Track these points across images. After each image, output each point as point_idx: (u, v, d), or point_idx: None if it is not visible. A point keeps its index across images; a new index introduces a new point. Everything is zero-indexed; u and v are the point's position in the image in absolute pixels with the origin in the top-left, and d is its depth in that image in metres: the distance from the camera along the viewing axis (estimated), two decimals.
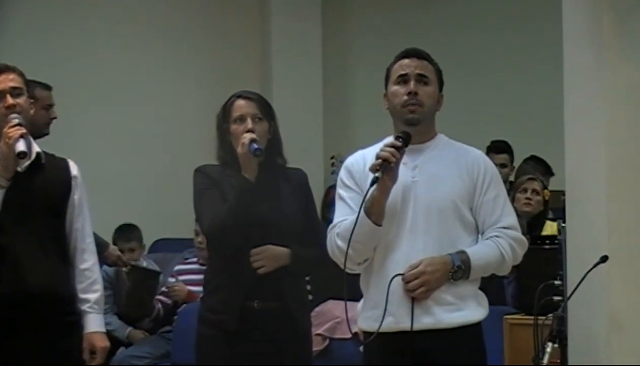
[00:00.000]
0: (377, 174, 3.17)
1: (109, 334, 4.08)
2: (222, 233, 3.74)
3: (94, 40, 7.38)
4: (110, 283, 6.14)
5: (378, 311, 3.26)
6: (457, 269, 3.25)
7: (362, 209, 3.22)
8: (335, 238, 3.33)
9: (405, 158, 3.30)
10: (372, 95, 7.95)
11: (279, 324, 3.78)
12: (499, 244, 3.32)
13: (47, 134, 5.01)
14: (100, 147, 7.19)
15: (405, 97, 3.34)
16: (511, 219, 3.38)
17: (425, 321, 3.25)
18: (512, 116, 7.79)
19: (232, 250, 3.76)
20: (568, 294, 3.81)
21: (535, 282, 4.01)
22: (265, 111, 3.85)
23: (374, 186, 3.19)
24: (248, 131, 3.75)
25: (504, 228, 3.34)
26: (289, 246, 3.81)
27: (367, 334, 3.36)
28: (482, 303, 3.38)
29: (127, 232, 6.30)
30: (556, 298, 4.02)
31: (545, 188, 5.91)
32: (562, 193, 4.35)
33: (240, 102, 3.84)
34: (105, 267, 6.15)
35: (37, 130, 4.88)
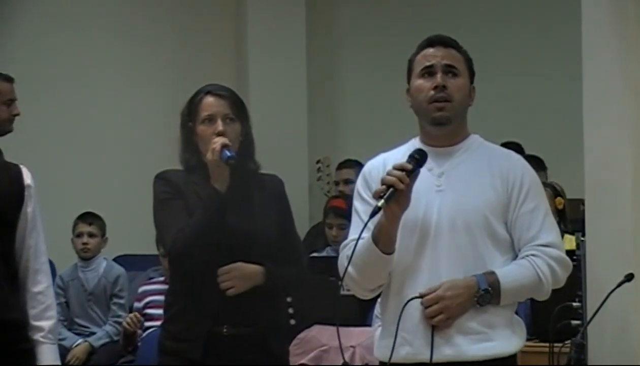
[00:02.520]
0: (379, 203, 3.09)
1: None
2: (187, 252, 3.67)
3: (53, 36, 7.42)
4: (64, 290, 6.38)
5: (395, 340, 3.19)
6: (484, 293, 3.15)
7: (363, 234, 3.14)
8: (345, 261, 3.25)
9: (431, 163, 3.22)
10: (363, 93, 8.04)
11: (251, 353, 3.69)
12: (535, 264, 3.21)
13: (10, 131, 5.07)
14: (52, 152, 7.18)
15: (432, 92, 3.26)
16: (552, 236, 3.26)
17: (447, 352, 3.16)
18: (525, 116, 7.79)
19: (198, 269, 3.69)
20: (588, 317, 3.77)
21: (551, 304, 3.95)
22: (238, 110, 3.78)
23: (377, 216, 3.11)
24: (218, 134, 3.67)
25: (543, 245, 3.22)
26: (263, 264, 3.73)
27: (383, 364, 3.29)
28: (517, 332, 3.27)
29: (89, 216, 6.57)
30: (574, 322, 4.01)
31: (559, 195, 5.81)
32: (581, 201, 4.31)
33: (210, 100, 3.76)
34: (60, 273, 6.50)
35: None
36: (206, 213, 3.64)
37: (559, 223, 5.71)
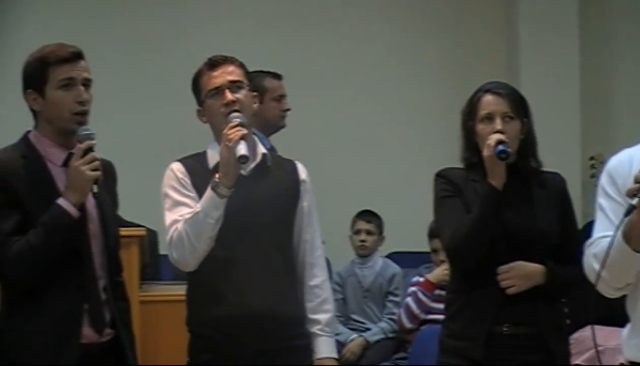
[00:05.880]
0: (634, 202, 3.03)
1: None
2: (464, 249, 3.71)
3: (325, 32, 7.66)
4: (341, 286, 6.51)
5: None
6: None
7: (619, 233, 3.08)
8: (591, 259, 3.23)
9: None
10: (637, 87, 7.85)
11: (532, 352, 3.73)
12: None
13: (283, 126, 5.27)
14: (331, 149, 7.43)
15: None
16: None
17: None
18: None
19: (476, 267, 3.72)
20: None
21: None
22: (518, 108, 3.80)
23: (631, 215, 3.04)
24: (496, 132, 3.72)
25: None
26: (544, 263, 3.75)
27: (634, 365, 3.23)
28: None
29: (368, 214, 6.76)
30: None
31: None
32: None
33: (489, 98, 3.79)
34: (337, 269, 6.55)
35: (269, 125, 5.15)
36: (483, 209, 3.67)
37: None
